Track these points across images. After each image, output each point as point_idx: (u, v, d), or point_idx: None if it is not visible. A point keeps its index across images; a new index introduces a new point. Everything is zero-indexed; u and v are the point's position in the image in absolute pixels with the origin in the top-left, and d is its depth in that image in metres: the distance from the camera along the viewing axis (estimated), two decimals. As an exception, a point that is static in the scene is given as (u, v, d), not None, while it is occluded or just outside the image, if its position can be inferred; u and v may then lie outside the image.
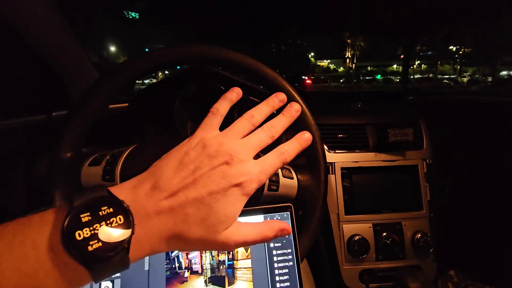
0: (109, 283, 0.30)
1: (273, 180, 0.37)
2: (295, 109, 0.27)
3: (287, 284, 0.33)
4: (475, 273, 0.66)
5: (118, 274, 0.31)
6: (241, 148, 0.22)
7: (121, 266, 0.19)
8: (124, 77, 0.35)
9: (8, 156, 0.50)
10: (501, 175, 0.65)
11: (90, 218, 0.18)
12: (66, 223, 0.17)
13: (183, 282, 0.31)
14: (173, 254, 0.32)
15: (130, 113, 0.54)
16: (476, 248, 0.70)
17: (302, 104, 0.38)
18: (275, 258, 0.33)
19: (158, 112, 0.57)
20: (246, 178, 0.22)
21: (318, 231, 0.39)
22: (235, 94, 0.28)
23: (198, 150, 0.22)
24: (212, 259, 0.33)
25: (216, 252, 0.33)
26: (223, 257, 0.33)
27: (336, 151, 0.67)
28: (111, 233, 0.18)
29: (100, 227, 0.18)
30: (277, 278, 0.33)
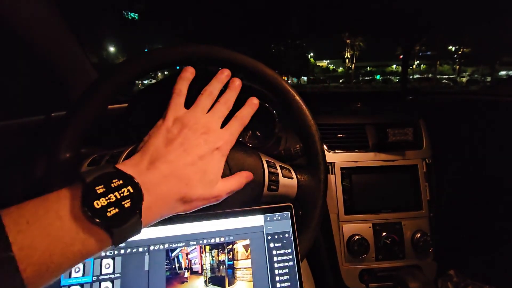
0: (109, 283, 0.30)
1: (273, 180, 0.37)
2: (237, 83, 0.32)
3: (287, 284, 0.33)
4: (475, 273, 0.66)
5: (118, 274, 0.31)
6: (212, 120, 0.28)
7: (135, 230, 0.22)
8: (123, 78, 0.35)
9: (7, 156, 0.50)
10: (501, 174, 0.65)
11: (104, 189, 0.21)
12: (84, 195, 0.20)
13: (183, 282, 0.31)
14: (173, 254, 0.32)
15: (130, 114, 0.54)
16: (476, 247, 0.70)
17: (302, 104, 0.38)
18: (275, 258, 0.33)
19: (158, 112, 0.56)
20: (222, 142, 0.28)
21: (318, 231, 0.39)
22: (189, 73, 0.31)
23: (179, 127, 0.27)
24: (212, 259, 0.33)
25: (216, 252, 0.33)
26: (223, 257, 0.33)
27: (336, 151, 0.67)
28: (124, 201, 0.21)
29: (114, 196, 0.21)
30: (277, 278, 0.33)
